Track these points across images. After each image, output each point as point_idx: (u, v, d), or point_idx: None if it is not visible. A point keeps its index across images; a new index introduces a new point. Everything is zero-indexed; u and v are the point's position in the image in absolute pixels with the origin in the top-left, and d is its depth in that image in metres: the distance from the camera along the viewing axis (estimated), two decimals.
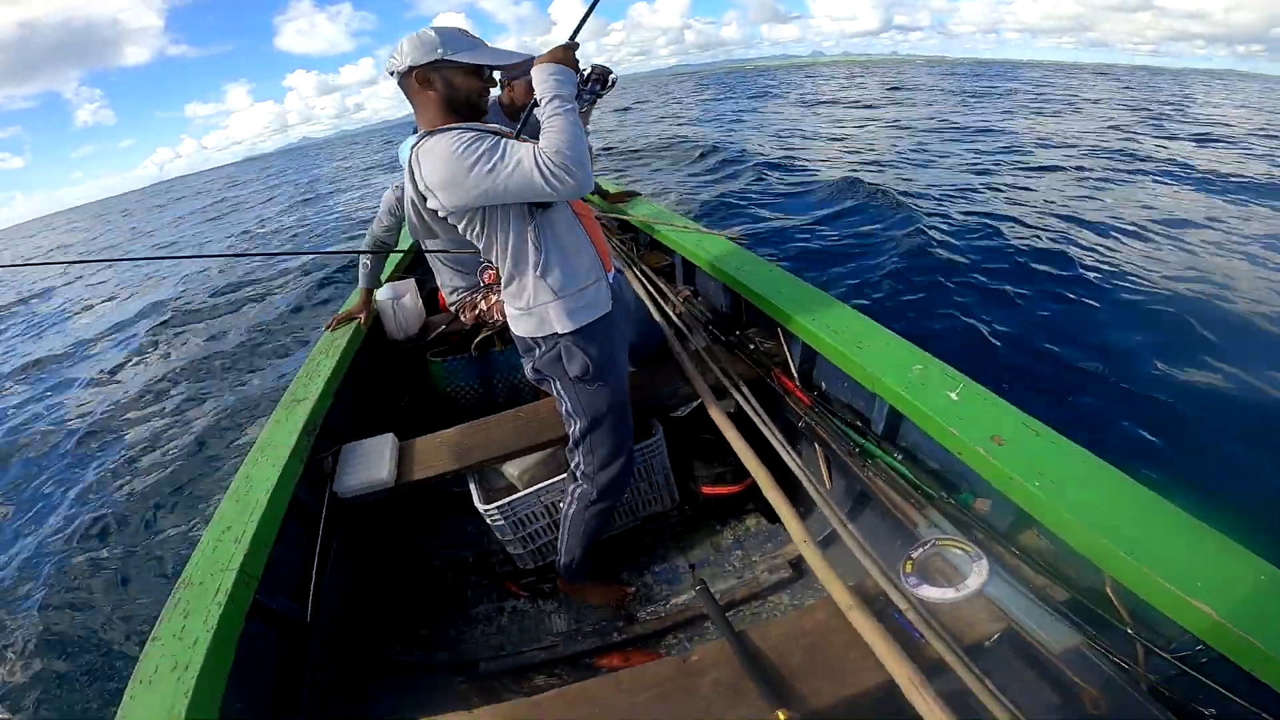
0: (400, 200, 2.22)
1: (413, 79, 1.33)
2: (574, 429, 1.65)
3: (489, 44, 1.39)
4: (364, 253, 2.47)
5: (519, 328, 1.57)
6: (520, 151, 1.23)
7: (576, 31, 1.44)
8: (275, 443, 1.88)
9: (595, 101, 1.67)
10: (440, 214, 1.37)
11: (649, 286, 2.49)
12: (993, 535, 1.33)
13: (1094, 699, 1.13)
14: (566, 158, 1.22)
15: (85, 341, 7.97)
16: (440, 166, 1.25)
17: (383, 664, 1.85)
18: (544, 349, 1.55)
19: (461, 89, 1.36)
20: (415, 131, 1.39)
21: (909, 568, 1.29)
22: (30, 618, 2.96)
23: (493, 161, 1.23)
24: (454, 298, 2.55)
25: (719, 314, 2.41)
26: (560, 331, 1.49)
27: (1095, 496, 1.10)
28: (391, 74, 1.37)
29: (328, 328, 2.52)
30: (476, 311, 2.50)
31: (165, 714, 1.13)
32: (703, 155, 11.01)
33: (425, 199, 1.34)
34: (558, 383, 1.60)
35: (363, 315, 2.52)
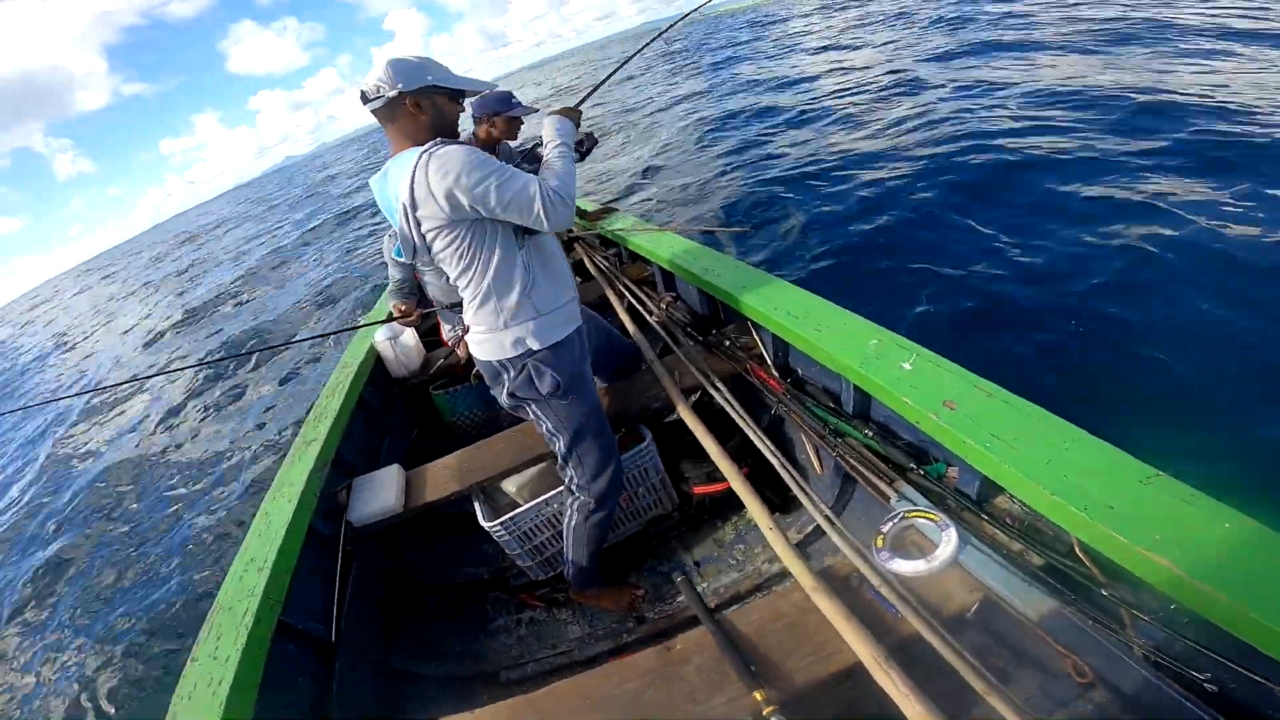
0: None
1: (406, 104, 1.37)
2: (559, 446, 1.69)
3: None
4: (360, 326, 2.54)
5: (487, 351, 1.58)
6: (527, 178, 1.35)
7: (586, 99, 1.80)
8: (291, 480, 1.99)
9: (578, 158, 1.84)
10: (426, 228, 1.38)
11: (630, 298, 2.53)
12: (965, 503, 1.33)
13: (1077, 665, 1.10)
14: (563, 195, 1.37)
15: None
16: (454, 168, 1.29)
17: (409, 677, 1.92)
18: (513, 372, 1.58)
19: (448, 113, 1.44)
20: (390, 157, 1.43)
21: (880, 542, 1.29)
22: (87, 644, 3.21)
23: (503, 179, 1.32)
24: (451, 333, 2.64)
25: (698, 316, 2.44)
26: (534, 348, 1.53)
27: (1049, 453, 1.08)
28: (372, 99, 1.38)
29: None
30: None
31: None
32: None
33: (418, 207, 1.34)
34: (534, 405, 1.65)
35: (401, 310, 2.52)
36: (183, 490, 4.76)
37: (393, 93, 1.35)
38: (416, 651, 2.01)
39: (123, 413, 7.23)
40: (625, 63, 2.28)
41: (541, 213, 1.34)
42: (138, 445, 6.19)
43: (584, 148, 1.83)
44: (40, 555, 4.61)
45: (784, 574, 1.90)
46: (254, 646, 1.43)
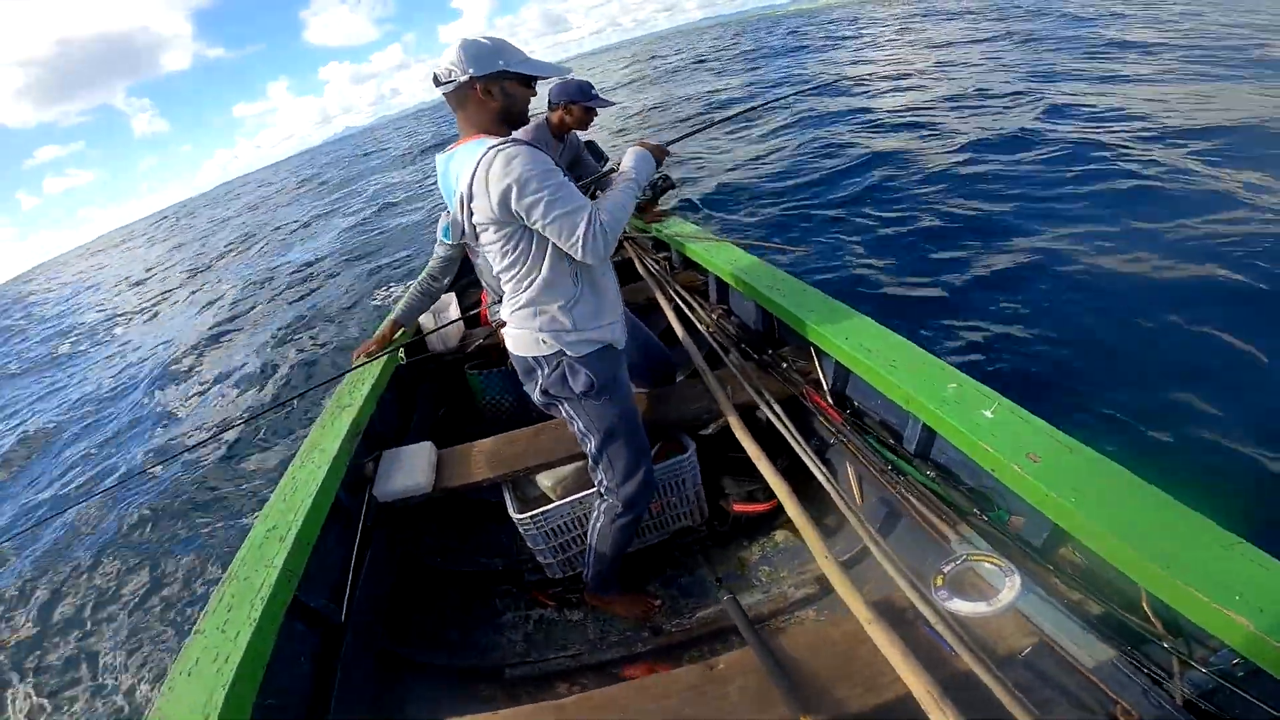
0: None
1: (476, 89, 1.37)
2: (590, 446, 1.70)
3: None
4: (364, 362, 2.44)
5: (521, 346, 1.60)
6: (581, 203, 1.35)
7: (678, 140, 1.82)
8: (321, 446, 1.96)
9: (651, 197, 1.87)
10: (477, 220, 1.40)
11: (680, 304, 2.54)
12: (1027, 551, 1.35)
13: (1125, 710, 1.14)
14: (609, 230, 1.37)
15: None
16: (515, 173, 1.29)
17: (411, 666, 1.89)
18: (547, 370, 1.60)
19: (518, 99, 1.44)
20: (460, 138, 1.45)
21: (940, 581, 1.30)
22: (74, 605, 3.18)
23: (557, 196, 1.32)
24: (497, 313, 2.64)
25: (752, 333, 2.44)
26: (571, 355, 1.55)
27: (1130, 511, 1.11)
28: (444, 83, 1.39)
29: (356, 357, 2.48)
30: None
31: (203, 704, 1.18)
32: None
33: (474, 199, 1.36)
34: (566, 404, 1.66)
35: (377, 345, 2.50)
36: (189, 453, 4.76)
37: (464, 77, 1.36)
38: (420, 639, 1.99)
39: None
40: (733, 116, 2.34)
41: (581, 241, 1.34)
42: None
43: (658, 187, 1.82)
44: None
45: (807, 600, 1.91)
46: (267, 622, 1.38)
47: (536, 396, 1.69)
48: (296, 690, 1.52)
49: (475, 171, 1.33)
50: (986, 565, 1.29)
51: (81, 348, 11.58)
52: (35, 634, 3.28)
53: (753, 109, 2.44)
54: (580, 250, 1.35)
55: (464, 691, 1.85)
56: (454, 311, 2.84)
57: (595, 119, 2.41)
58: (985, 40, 15.39)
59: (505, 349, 2.60)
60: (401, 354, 2.57)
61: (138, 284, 18.17)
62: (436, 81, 1.41)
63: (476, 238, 1.47)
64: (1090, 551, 1.18)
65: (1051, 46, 12.39)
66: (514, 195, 1.30)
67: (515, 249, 1.43)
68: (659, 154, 1.66)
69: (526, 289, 1.49)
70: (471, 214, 1.40)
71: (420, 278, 2.44)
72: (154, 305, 13.25)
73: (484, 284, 2.62)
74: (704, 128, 2.24)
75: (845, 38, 24.07)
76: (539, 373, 1.61)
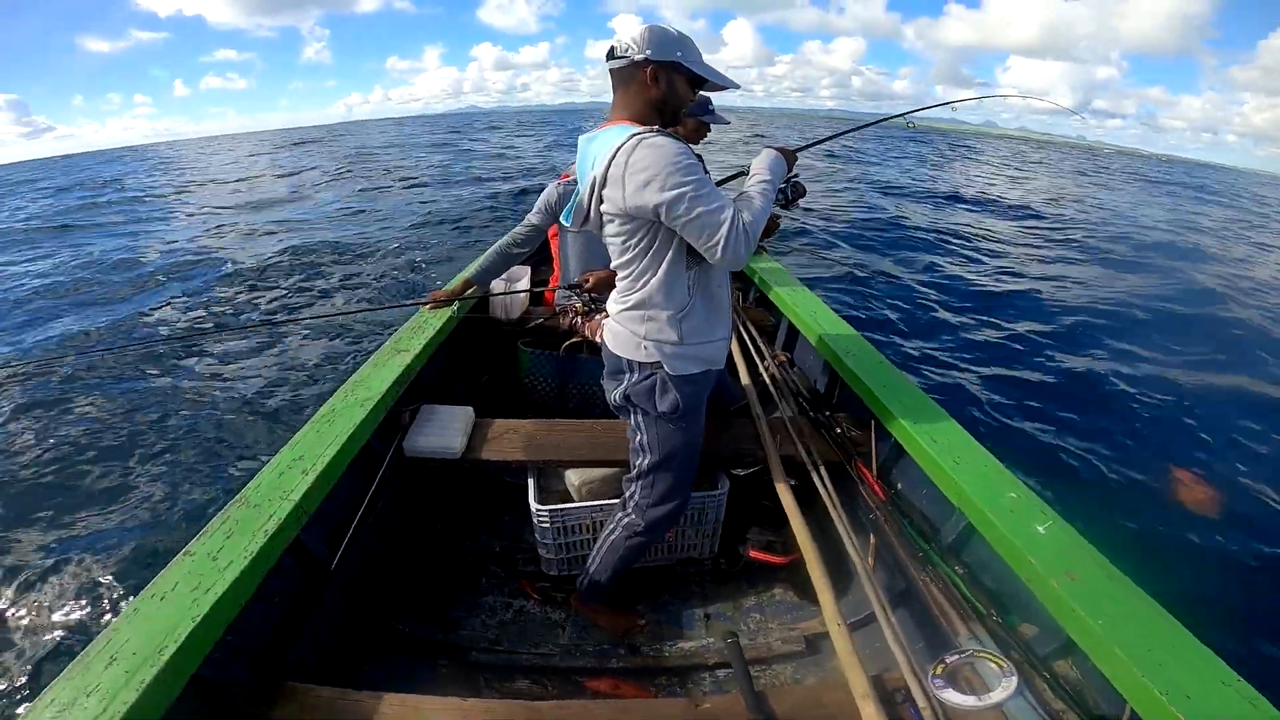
0: (560, 198, 2.40)
1: (645, 71, 1.41)
2: (641, 462, 1.73)
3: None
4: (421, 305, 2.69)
5: (619, 345, 1.62)
6: (724, 201, 1.35)
7: (807, 147, 1.90)
8: (368, 385, 2.06)
9: (782, 203, 1.84)
10: (606, 208, 1.43)
11: (745, 341, 2.66)
12: (1027, 657, 1.46)
13: None
14: (750, 234, 1.38)
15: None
16: (655, 162, 1.30)
17: (378, 626, 1.96)
18: (638, 375, 1.61)
19: (681, 95, 1.47)
20: (606, 120, 1.50)
21: (939, 670, 1.42)
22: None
23: (700, 191, 1.32)
24: (563, 299, 2.78)
25: (812, 388, 2.52)
26: (668, 371, 1.57)
27: (1150, 641, 1.21)
28: (616, 57, 1.43)
29: (427, 305, 2.71)
30: (573, 320, 2.71)
31: (164, 634, 1.15)
32: None
33: (607, 186, 1.38)
34: (641, 415, 1.67)
35: (445, 297, 2.70)
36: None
37: (639, 56, 1.40)
38: (396, 602, 2.07)
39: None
40: (865, 126, 2.54)
41: (721, 243, 1.33)
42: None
43: (788, 195, 1.81)
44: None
45: (788, 657, 1.98)
46: (263, 557, 1.37)
47: (614, 397, 1.72)
48: (259, 632, 1.52)
49: (614, 158, 1.35)
50: (989, 664, 1.40)
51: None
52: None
53: (867, 125, 2.64)
54: (720, 252, 1.34)
55: (424, 664, 1.91)
56: (526, 284, 3.01)
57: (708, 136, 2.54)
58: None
59: (562, 332, 2.78)
60: (456, 308, 2.71)
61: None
62: (611, 54, 1.46)
63: (601, 226, 1.51)
64: (1092, 668, 1.28)
65: None
66: (653, 188, 1.31)
67: (637, 245, 1.46)
68: (790, 157, 1.69)
69: (640, 289, 1.51)
70: (601, 200, 1.43)
71: (502, 241, 2.57)
72: None
73: (562, 267, 2.76)
74: (830, 138, 2.32)
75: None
76: (627, 376, 1.63)
